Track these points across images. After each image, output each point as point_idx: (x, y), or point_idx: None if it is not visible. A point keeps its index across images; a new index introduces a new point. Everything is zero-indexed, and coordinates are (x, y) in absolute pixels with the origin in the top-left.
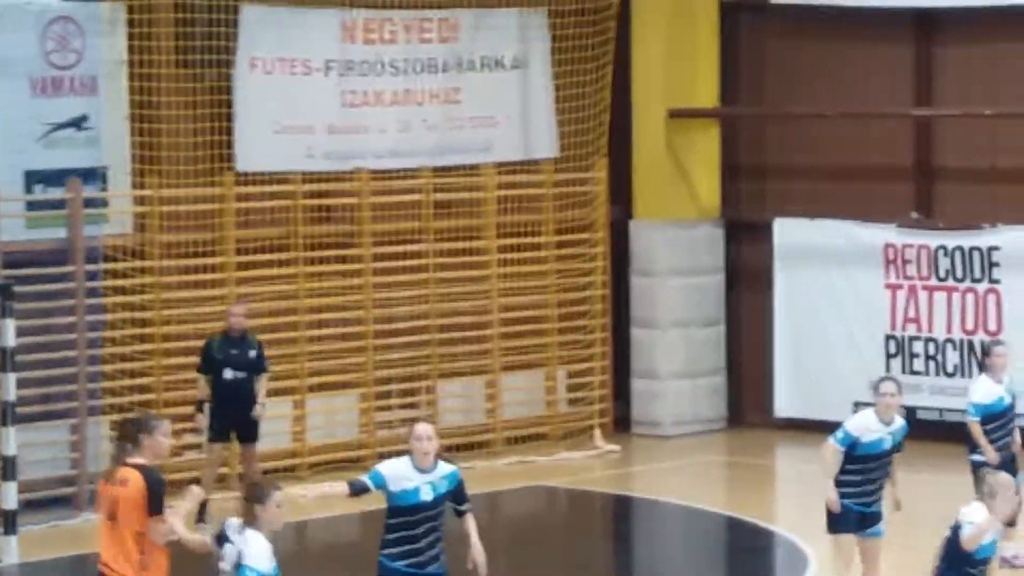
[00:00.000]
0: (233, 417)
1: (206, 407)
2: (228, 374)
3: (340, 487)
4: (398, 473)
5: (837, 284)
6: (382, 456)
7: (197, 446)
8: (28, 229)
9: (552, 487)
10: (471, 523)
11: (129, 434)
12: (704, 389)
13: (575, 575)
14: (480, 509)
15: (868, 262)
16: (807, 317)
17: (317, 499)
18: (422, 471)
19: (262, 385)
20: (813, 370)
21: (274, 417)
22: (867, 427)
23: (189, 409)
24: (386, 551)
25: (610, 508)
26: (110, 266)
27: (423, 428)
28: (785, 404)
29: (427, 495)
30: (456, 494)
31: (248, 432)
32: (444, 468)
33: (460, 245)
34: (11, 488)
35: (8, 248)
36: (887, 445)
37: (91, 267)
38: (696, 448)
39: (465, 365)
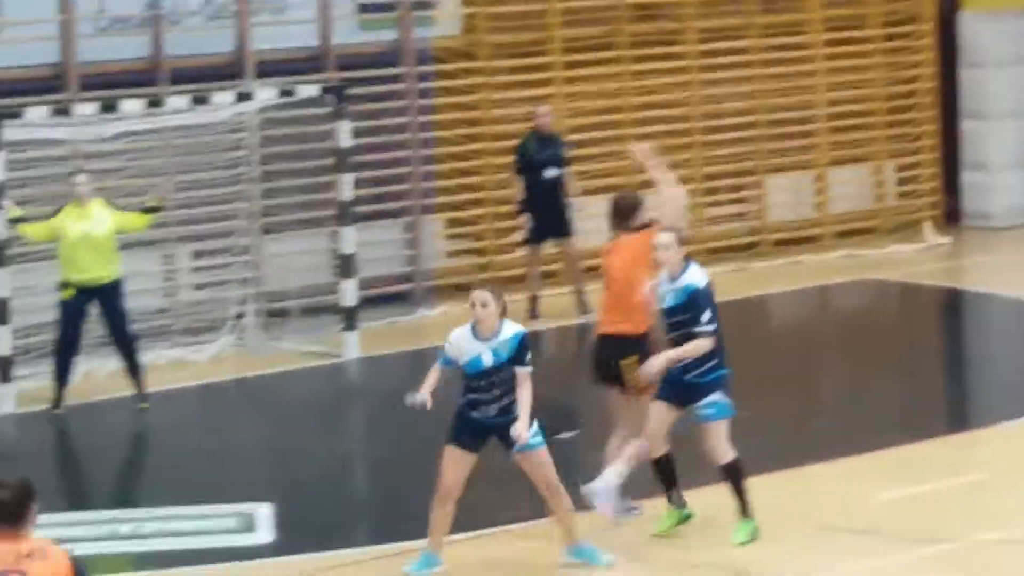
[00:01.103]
0: (551, 215)
1: (525, 207)
2: (549, 172)
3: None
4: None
5: None
6: (712, 252)
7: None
8: (360, 32)
9: (882, 280)
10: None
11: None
12: None
13: (906, 367)
14: (810, 302)
15: None
16: None
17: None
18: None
19: (572, 181)
20: None
21: (595, 216)
22: None
23: (517, 208)
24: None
25: (940, 301)
26: (440, 67)
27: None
28: None
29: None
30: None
31: (565, 228)
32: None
33: (785, 40)
34: (350, 285)
35: (341, 51)
36: None
37: (421, 69)
38: None
39: (793, 160)
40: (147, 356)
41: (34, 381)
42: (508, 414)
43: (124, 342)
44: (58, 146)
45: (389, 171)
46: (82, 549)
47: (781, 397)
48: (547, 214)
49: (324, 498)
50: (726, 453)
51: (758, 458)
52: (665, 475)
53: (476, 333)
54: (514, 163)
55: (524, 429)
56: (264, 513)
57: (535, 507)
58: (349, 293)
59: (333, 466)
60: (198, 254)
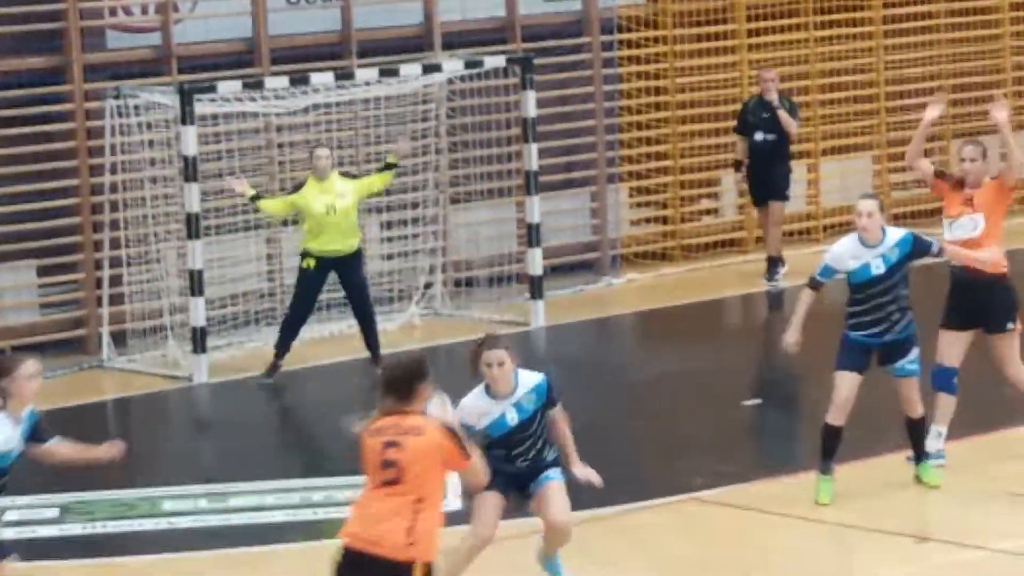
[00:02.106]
0: (764, 178)
1: (744, 168)
2: (758, 136)
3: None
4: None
5: None
6: (896, 218)
7: (714, 211)
8: (545, 2)
9: None
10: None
11: None
12: None
13: None
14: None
15: None
16: None
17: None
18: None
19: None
20: None
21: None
22: None
23: (703, 176)
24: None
25: None
26: (624, 36)
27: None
28: None
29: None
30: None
31: (776, 192)
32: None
33: (970, 4)
34: (536, 255)
35: (526, 21)
36: None
37: (606, 38)
38: None
39: (978, 125)
40: (338, 326)
41: (227, 352)
42: (539, 460)
43: (364, 311)
44: (250, 120)
45: (574, 140)
46: (276, 517)
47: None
48: (761, 177)
49: None
50: (921, 407)
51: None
52: (834, 446)
53: (493, 394)
54: (736, 123)
55: (585, 468)
56: (454, 480)
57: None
58: (535, 262)
59: None
60: (387, 225)
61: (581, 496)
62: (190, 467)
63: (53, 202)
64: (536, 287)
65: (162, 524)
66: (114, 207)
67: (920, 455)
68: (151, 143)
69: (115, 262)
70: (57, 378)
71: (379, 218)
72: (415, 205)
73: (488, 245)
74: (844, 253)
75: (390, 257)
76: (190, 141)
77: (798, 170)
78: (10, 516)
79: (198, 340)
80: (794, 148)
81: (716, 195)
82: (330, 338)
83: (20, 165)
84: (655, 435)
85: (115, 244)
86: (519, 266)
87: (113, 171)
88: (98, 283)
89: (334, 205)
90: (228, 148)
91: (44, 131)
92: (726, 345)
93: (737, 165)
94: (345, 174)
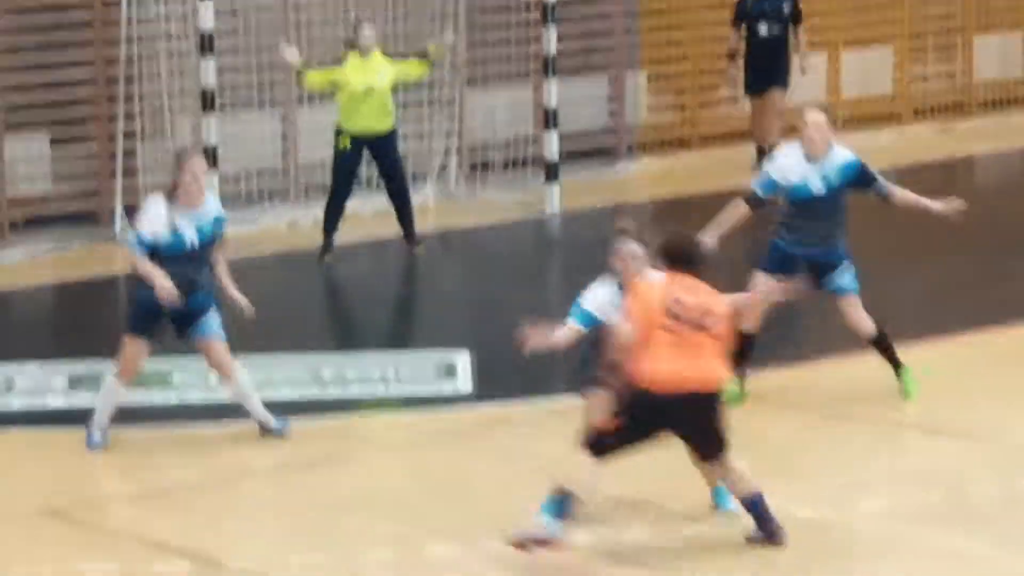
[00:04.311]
0: (766, 68)
1: (739, 60)
2: (763, 29)
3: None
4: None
5: None
6: (917, 113)
7: (733, 99)
8: None
9: None
10: None
11: None
12: None
13: None
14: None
15: None
16: None
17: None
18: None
19: (803, 38)
20: None
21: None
22: None
23: (722, 63)
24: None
25: None
26: None
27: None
28: None
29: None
30: None
31: (779, 78)
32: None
33: None
34: (553, 138)
35: None
36: None
37: None
38: None
39: (1002, 19)
40: (353, 206)
41: (239, 228)
42: None
43: (399, 191)
44: None
45: (593, 25)
46: (285, 392)
47: (989, 257)
48: (763, 67)
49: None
50: (870, 323)
51: (964, 315)
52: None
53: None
54: (733, 14)
55: None
56: (464, 360)
57: None
58: (551, 146)
59: (532, 317)
60: (403, 105)
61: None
62: None
63: (67, 72)
64: (552, 171)
65: (172, 397)
66: (129, 80)
67: (896, 365)
68: (167, 16)
69: (129, 135)
70: (69, 251)
71: (395, 99)
72: (431, 86)
73: (504, 128)
74: (787, 166)
75: (405, 138)
76: (207, 15)
77: (817, 59)
78: (20, 384)
79: None
80: (816, 38)
81: (735, 82)
82: (357, 216)
83: (35, 35)
84: None
85: (129, 117)
86: (535, 150)
87: (129, 43)
88: (111, 156)
89: (372, 84)
90: (245, 23)
91: (60, 1)
92: (740, 234)
93: (731, 55)
94: (385, 54)
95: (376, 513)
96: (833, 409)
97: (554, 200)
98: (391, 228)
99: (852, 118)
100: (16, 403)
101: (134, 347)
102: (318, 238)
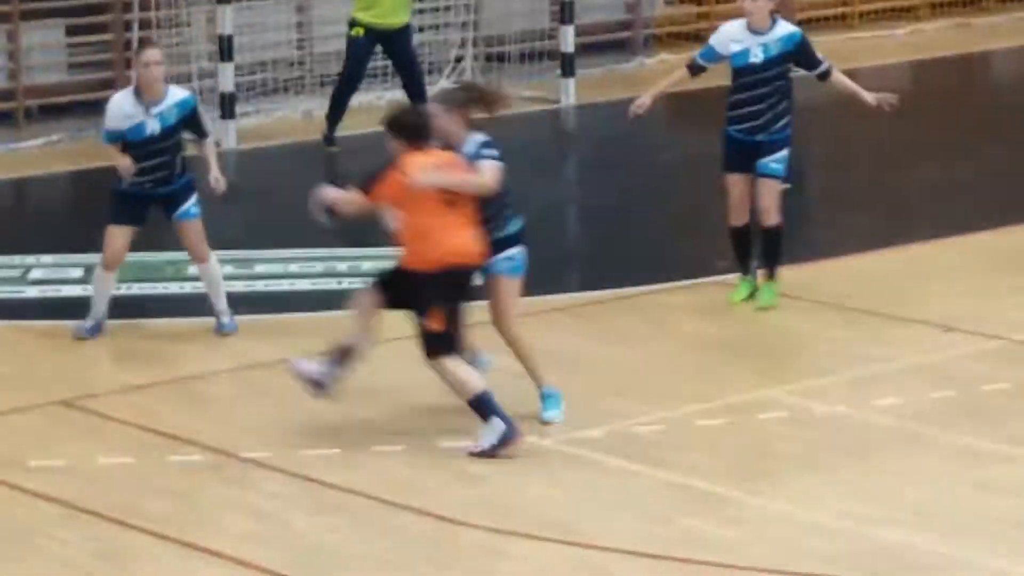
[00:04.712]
0: None
1: None
2: None
3: None
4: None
5: None
6: (934, 8)
7: None
8: None
9: None
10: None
11: None
12: None
13: None
14: None
15: None
16: None
17: None
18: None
19: None
20: None
21: None
22: None
23: None
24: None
25: None
26: None
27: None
28: None
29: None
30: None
31: None
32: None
33: None
34: (569, 31)
35: None
36: None
37: None
38: None
39: None
40: (366, 96)
41: (254, 119)
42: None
43: (415, 84)
44: None
45: None
46: (301, 285)
47: (1008, 152)
48: None
49: (536, 244)
50: (777, 215)
51: (971, 213)
52: (743, 246)
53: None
54: None
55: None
56: None
57: None
58: (567, 39)
59: (547, 211)
60: None
61: (602, 278)
62: (216, 233)
63: None
64: (568, 64)
65: (186, 288)
66: None
67: (765, 269)
68: None
69: (144, 24)
70: (84, 139)
71: None
72: None
73: (520, 20)
74: (727, 35)
75: (421, 30)
76: None
77: None
78: (35, 274)
79: (226, 106)
80: None
81: None
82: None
83: None
84: (681, 217)
85: (144, 6)
86: (551, 43)
87: None
88: (127, 45)
89: None
90: None
91: None
92: (713, 135)
93: None
94: None
95: (388, 407)
96: (848, 304)
97: (569, 93)
98: None
99: (869, 13)
100: (31, 292)
101: (114, 235)
102: (346, 127)
